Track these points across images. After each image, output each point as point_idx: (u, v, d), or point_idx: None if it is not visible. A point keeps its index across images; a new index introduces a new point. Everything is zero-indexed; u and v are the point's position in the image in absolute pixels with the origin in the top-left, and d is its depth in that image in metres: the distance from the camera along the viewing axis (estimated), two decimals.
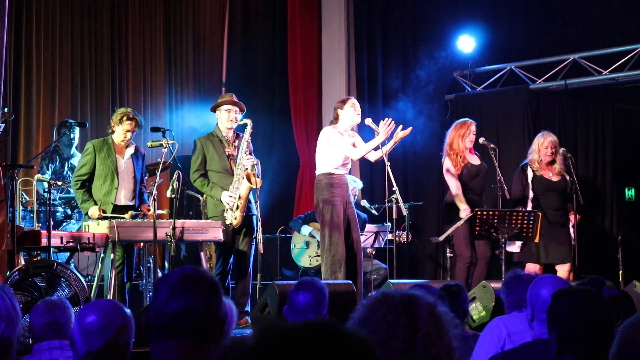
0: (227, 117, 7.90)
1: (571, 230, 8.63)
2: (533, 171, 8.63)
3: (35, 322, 4.09)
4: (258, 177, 7.66)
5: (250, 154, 7.83)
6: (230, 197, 7.68)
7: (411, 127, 7.81)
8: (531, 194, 8.60)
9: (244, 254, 7.80)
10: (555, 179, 8.62)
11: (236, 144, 7.94)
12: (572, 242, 8.59)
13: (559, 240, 8.52)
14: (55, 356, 3.87)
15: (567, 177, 8.62)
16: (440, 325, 1.91)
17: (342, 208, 7.68)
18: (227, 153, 7.88)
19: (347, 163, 7.87)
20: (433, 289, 4.28)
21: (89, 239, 6.87)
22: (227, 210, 7.70)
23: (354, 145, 7.88)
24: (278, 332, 1.51)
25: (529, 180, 8.63)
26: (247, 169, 7.65)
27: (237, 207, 7.67)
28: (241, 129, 8.00)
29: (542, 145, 8.63)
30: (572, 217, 8.62)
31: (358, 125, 8.18)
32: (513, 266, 7.40)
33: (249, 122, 7.86)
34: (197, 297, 2.39)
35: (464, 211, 8.14)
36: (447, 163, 8.45)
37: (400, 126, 7.73)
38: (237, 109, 7.96)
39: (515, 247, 8.54)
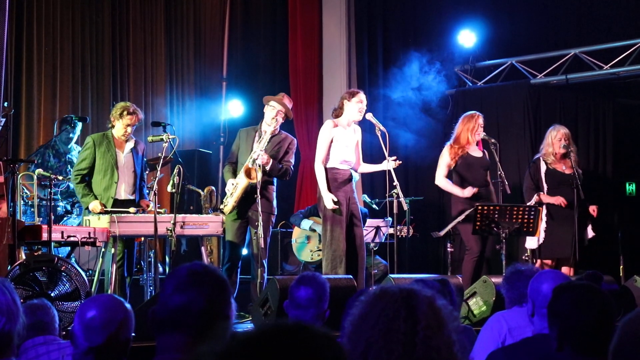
0: (269, 115, 7.93)
1: (590, 231, 8.61)
2: (546, 164, 8.62)
3: None
4: (263, 169, 7.67)
5: (284, 153, 7.91)
6: (233, 184, 7.75)
7: (400, 162, 7.82)
8: (545, 188, 8.58)
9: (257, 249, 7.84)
10: (568, 172, 8.60)
11: (272, 141, 7.96)
12: (587, 240, 8.58)
13: (570, 234, 8.49)
14: (40, 352, 3.88)
15: (580, 171, 8.62)
16: (439, 317, 1.92)
17: (345, 203, 7.68)
18: (253, 148, 7.88)
19: (350, 160, 7.87)
20: (432, 283, 4.28)
21: (89, 233, 6.88)
22: (226, 197, 7.79)
23: (357, 144, 7.90)
24: (245, 337, 1.51)
25: (542, 174, 8.61)
26: (255, 161, 7.67)
27: (231, 195, 7.74)
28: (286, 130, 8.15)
29: (556, 137, 8.61)
30: (591, 210, 8.58)
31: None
32: (514, 261, 7.40)
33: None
34: (200, 293, 2.40)
35: (463, 193, 8.24)
36: (444, 154, 8.46)
37: (394, 157, 7.77)
38: (282, 111, 7.94)
39: (533, 243, 8.53)
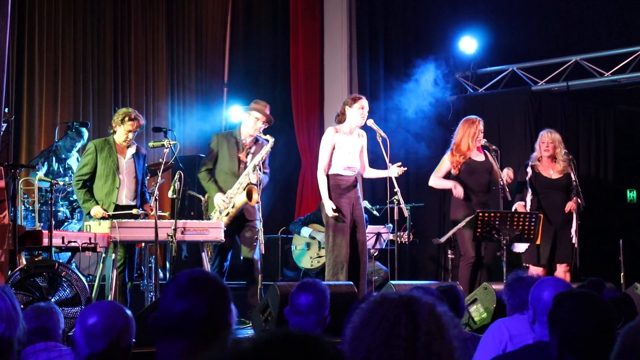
0: (253, 125, 7.99)
1: (573, 228, 8.59)
2: (532, 169, 8.64)
3: None
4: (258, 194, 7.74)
5: (264, 169, 7.93)
6: (223, 201, 7.77)
7: (405, 168, 7.84)
8: (529, 193, 8.60)
9: (251, 258, 7.91)
10: (556, 176, 8.60)
11: (252, 150, 7.99)
12: (573, 242, 8.55)
13: (559, 240, 8.51)
14: (41, 358, 3.86)
15: (573, 176, 8.60)
16: (440, 323, 1.92)
17: (349, 210, 7.67)
18: (238, 156, 7.93)
19: (354, 166, 7.86)
20: (432, 291, 4.28)
21: (90, 239, 6.87)
22: (215, 211, 7.78)
23: (362, 149, 7.89)
24: (252, 344, 1.50)
25: (527, 178, 8.63)
26: (252, 183, 7.72)
27: (227, 214, 7.79)
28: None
29: (540, 141, 8.68)
30: (571, 205, 8.53)
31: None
32: (515, 268, 7.39)
33: (271, 140, 7.94)
34: (201, 300, 2.40)
35: (453, 188, 8.22)
36: (445, 159, 8.45)
37: (399, 163, 7.80)
38: (265, 121, 8.02)
39: (522, 248, 8.52)
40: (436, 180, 8.49)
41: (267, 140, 8.01)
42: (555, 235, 8.51)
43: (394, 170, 7.73)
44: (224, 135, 8.13)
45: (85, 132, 9.14)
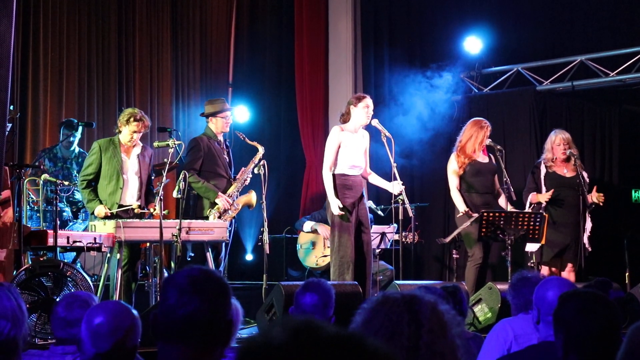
0: (223, 123, 8.17)
1: (587, 232, 8.59)
2: (546, 168, 8.64)
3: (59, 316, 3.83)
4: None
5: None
6: (227, 201, 7.83)
7: (404, 187, 7.86)
8: (544, 191, 8.60)
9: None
10: (569, 175, 8.61)
11: (228, 148, 8.24)
12: (587, 246, 8.55)
13: (570, 239, 8.50)
14: None
15: (585, 174, 8.61)
16: (443, 322, 1.92)
17: (354, 210, 7.68)
18: (224, 157, 8.03)
19: (359, 165, 7.87)
20: (436, 290, 4.28)
21: (95, 238, 6.88)
22: (214, 212, 7.81)
23: (365, 151, 7.90)
24: (310, 337, 1.45)
25: (542, 177, 8.63)
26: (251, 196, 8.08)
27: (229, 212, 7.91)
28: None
29: (555, 142, 8.65)
30: (591, 197, 8.53)
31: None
32: (520, 268, 7.38)
33: (261, 149, 8.08)
34: (204, 301, 2.36)
35: (463, 211, 8.18)
36: (452, 162, 8.44)
37: (402, 182, 7.82)
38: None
39: (533, 247, 8.51)
40: (456, 197, 8.41)
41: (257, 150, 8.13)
42: (564, 234, 8.50)
43: (397, 188, 7.74)
44: (204, 138, 8.12)
45: (78, 128, 9.12)
